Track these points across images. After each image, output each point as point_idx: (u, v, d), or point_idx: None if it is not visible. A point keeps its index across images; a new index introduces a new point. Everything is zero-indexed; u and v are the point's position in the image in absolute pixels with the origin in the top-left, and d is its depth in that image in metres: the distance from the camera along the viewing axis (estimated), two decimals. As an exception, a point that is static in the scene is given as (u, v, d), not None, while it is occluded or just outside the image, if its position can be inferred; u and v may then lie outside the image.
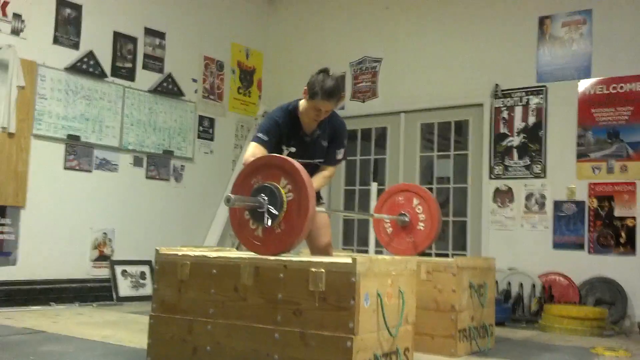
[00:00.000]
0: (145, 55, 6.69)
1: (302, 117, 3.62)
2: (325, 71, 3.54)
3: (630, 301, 5.56)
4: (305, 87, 3.54)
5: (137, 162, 6.59)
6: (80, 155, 6.08)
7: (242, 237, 3.07)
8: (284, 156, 3.05)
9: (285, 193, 2.93)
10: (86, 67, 6.09)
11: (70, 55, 6.00)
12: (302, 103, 3.61)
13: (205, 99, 7.36)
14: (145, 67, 6.69)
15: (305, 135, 3.66)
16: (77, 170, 6.06)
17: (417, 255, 4.29)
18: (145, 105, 6.66)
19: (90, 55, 6.12)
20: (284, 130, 3.59)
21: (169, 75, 6.86)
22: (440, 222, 4.32)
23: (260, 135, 3.54)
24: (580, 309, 5.23)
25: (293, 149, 3.62)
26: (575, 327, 5.03)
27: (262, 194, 2.95)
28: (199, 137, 7.27)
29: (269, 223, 2.93)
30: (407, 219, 4.35)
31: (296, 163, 2.98)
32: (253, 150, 3.47)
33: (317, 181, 3.59)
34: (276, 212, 2.91)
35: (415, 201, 4.37)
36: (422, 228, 4.33)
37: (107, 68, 6.31)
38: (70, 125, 5.98)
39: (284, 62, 8.04)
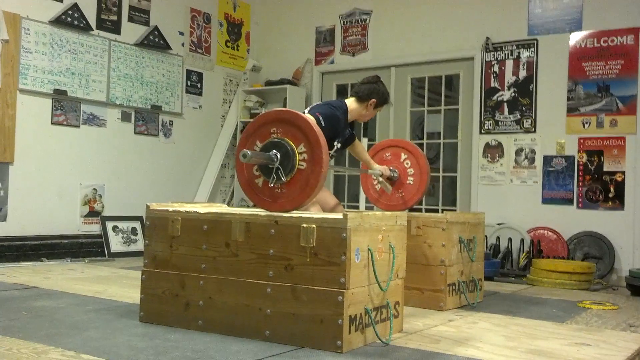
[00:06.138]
0: (131, 8, 6.56)
1: (351, 118, 4.10)
2: (379, 80, 4.11)
3: (618, 255, 5.63)
4: (374, 100, 4.02)
5: (125, 117, 6.53)
6: (68, 110, 6.01)
7: (254, 195, 3.02)
8: (313, 123, 2.92)
9: (299, 160, 2.87)
10: (71, 19, 5.97)
11: (55, 8, 5.88)
12: (357, 107, 4.05)
13: (192, 52, 7.26)
14: (130, 19, 6.56)
15: (347, 133, 4.12)
16: (64, 125, 5.99)
17: (407, 210, 4.30)
18: (132, 59, 6.56)
19: (75, 7, 5.99)
20: (340, 128, 3.94)
21: (155, 28, 6.74)
22: (429, 176, 4.32)
23: (320, 118, 3.71)
24: (568, 263, 5.29)
25: (339, 145, 4.04)
26: (563, 281, 5.10)
27: (276, 151, 2.87)
28: (187, 91, 7.19)
29: (272, 183, 2.91)
30: (395, 175, 4.33)
31: (322, 137, 2.86)
32: None
33: (364, 150, 4.42)
34: (283, 179, 2.87)
35: (403, 156, 4.36)
36: (411, 183, 4.32)
37: (92, 21, 6.19)
38: (57, 79, 5.89)
39: (272, 14, 7.91)
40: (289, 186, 2.90)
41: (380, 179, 4.31)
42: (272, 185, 2.91)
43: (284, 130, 2.92)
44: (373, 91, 4.02)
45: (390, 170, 4.33)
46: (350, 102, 4.05)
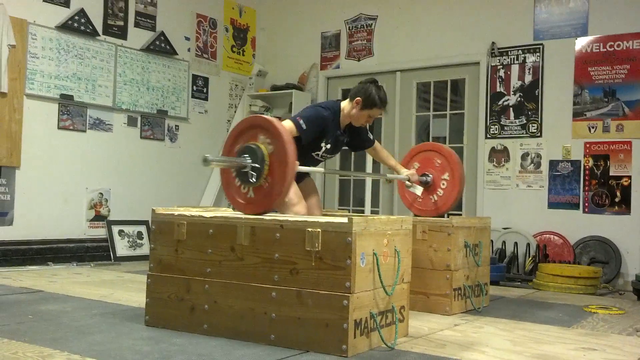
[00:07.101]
0: (137, 13, 6.59)
1: (345, 119, 3.92)
2: (374, 82, 3.88)
3: (624, 260, 5.61)
4: (359, 98, 3.81)
5: (131, 122, 6.55)
6: (74, 115, 6.03)
7: (232, 198, 3.10)
8: (258, 113, 3.06)
9: (266, 146, 2.93)
10: (77, 25, 5.99)
11: (61, 13, 5.91)
12: (348, 108, 3.87)
13: (198, 57, 7.28)
14: (137, 25, 6.59)
15: (340, 135, 3.95)
16: (71, 130, 6.02)
17: (439, 216, 4.23)
18: (138, 64, 6.59)
19: (82, 13, 6.02)
20: (328, 129, 3.81)
21: (162, 34, 6.77)
22: (460, 193, 4.24)
23: (301, 122, 3.67)
24: (574, 267, 5.27)
25: (329, 146, 3.88)
26: (569, 286, 5.08)
27: (245, 155, 2.96)
28: (193, 96, 7.21)
29: (254, 179, 2.94)
30: (429, 179, 4.28)
31: (270, 117, 3.02)
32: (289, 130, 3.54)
33: (388, 155, 4.31)
34: (258, 165, 2.91)
35: (446, 174, 4.27)
36: (439, 195, 4.26)
37: (99, 26, 6.22)
38: (63, 84, 5.92)
39: (278, 20, 7.93)
40: (270, 172, 2.93)
41: (408, 183, 4.25)
42: (254, 181, 2.95)
43: (244, 139, 3.02)
44: (360, 90, 3.84)
45: (423, 175, 4.28)
46: (344, 103, 3.94)
